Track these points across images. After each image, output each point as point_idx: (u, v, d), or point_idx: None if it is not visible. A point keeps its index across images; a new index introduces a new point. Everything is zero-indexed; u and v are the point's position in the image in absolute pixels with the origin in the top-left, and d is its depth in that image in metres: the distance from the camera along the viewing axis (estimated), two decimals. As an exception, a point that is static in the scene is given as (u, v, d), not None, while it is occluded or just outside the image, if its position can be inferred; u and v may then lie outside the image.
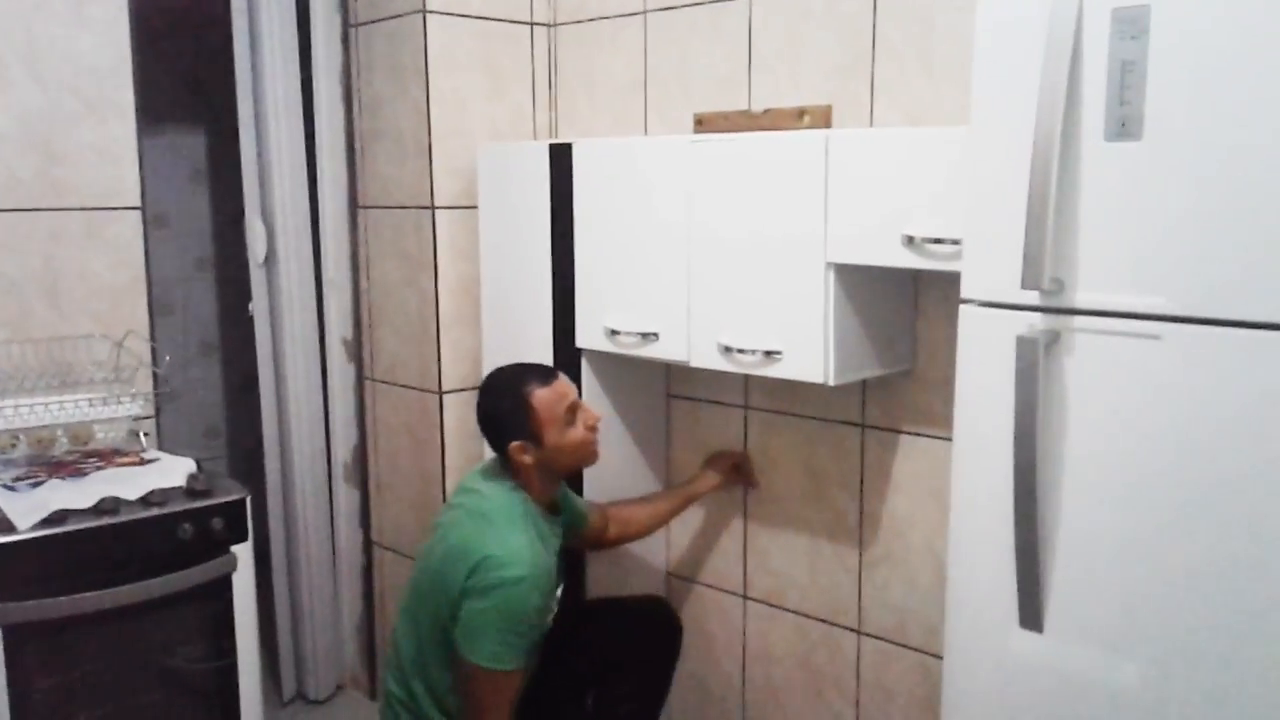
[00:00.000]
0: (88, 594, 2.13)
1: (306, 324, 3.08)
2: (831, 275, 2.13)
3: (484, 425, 2.27)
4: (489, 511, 2.17)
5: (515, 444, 2.19)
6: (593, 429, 2.27)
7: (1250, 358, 1.38)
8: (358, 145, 3.01)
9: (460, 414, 2.87)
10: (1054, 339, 1.54)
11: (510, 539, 2.11)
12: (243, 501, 2.34)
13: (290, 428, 3.11)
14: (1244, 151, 1.37)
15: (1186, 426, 1.44)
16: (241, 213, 3.12)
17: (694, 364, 2.37)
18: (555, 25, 2.94)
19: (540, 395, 2.20)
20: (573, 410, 2.23)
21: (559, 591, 2.27)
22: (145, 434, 2.57)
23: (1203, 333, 1.41)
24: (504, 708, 2.13)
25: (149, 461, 2.43)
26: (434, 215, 2.82)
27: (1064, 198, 1.51)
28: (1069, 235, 1.52)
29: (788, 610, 2.65)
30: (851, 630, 2.53)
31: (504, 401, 2.22)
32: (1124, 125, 1.46)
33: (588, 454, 2.30)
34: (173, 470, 2.37)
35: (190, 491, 2.31)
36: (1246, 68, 1.36)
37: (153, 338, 2.68)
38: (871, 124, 2.31)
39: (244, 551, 2.34)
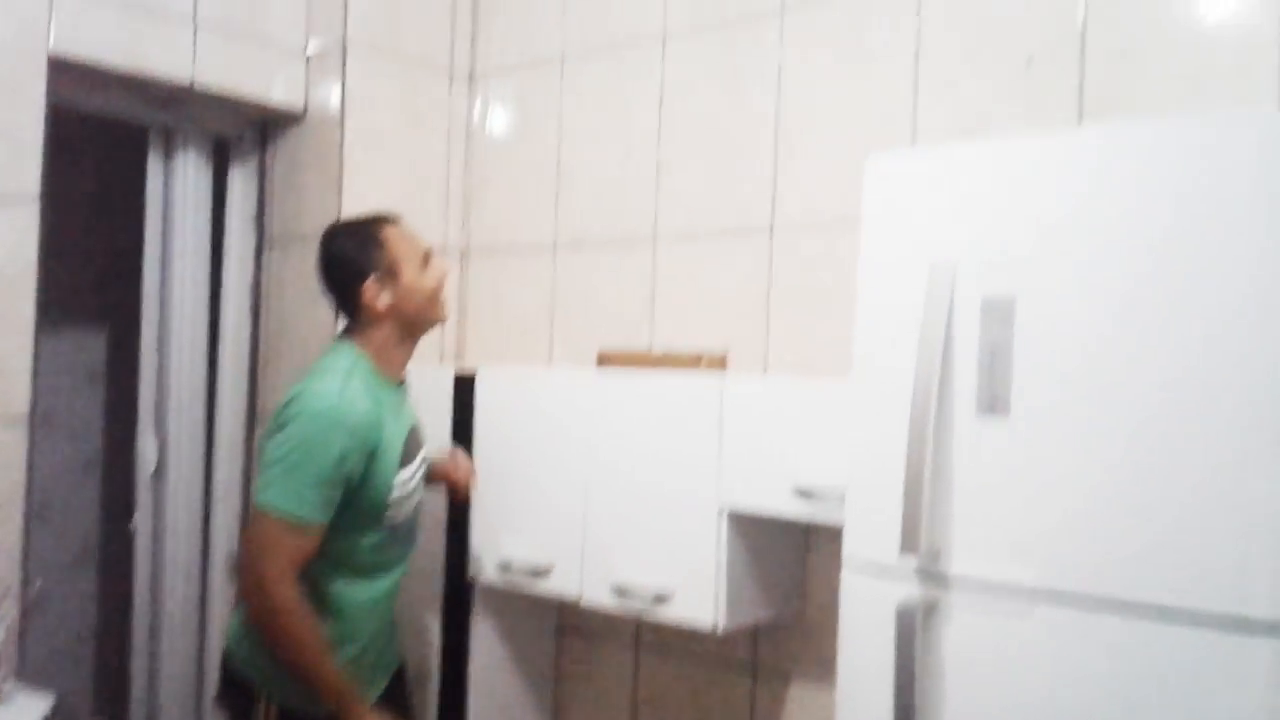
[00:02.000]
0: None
1: (191, 541, 2.98)
2: (724, 520, 2.14)
3: (331, 272, 2.10)
4: (314, 366, 2.06)
5: (369, 280, 2.05)
6: (442, 283, 2.16)
7: (1116, 635, 1.41)
8: (261, 360, 3.01)
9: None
10: (931, 608, 1.56)
11: (324, 381, 1.98)
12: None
13: (162, 650, 2.96)
14: (1105, 431, 1.44)
15: (1055, 700, 1.45)
16: (135, 419, 3.05)
17: (585, 603, 2.34)
18: (468, 252, 3.02)
19: (391, 231, 2.11)
20: (426, 256, 2.13)
21: (416, 475, 2.12)
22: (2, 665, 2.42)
23: (1071, 609, 1.44)
24: (283, 562, 1.92)
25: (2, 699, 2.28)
26: (333, 434, 2.79)
27: (939, 468, 1.56)
28: (945, 504, 1.56)
29: None
30: None
31: (351, 240, 2.09)
32: (994, 402, 1.53)
33: (439, 306, 2.16)
34: (27, 710, 2.22)
35: (44, 731, 2.16)
36: (1105, 351, 1.44)
37: (26, 554, 2.55)
38: (767, 369, 2.39)
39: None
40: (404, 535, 2.15)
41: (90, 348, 4.04)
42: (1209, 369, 1.36)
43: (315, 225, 2.82)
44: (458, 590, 2.57)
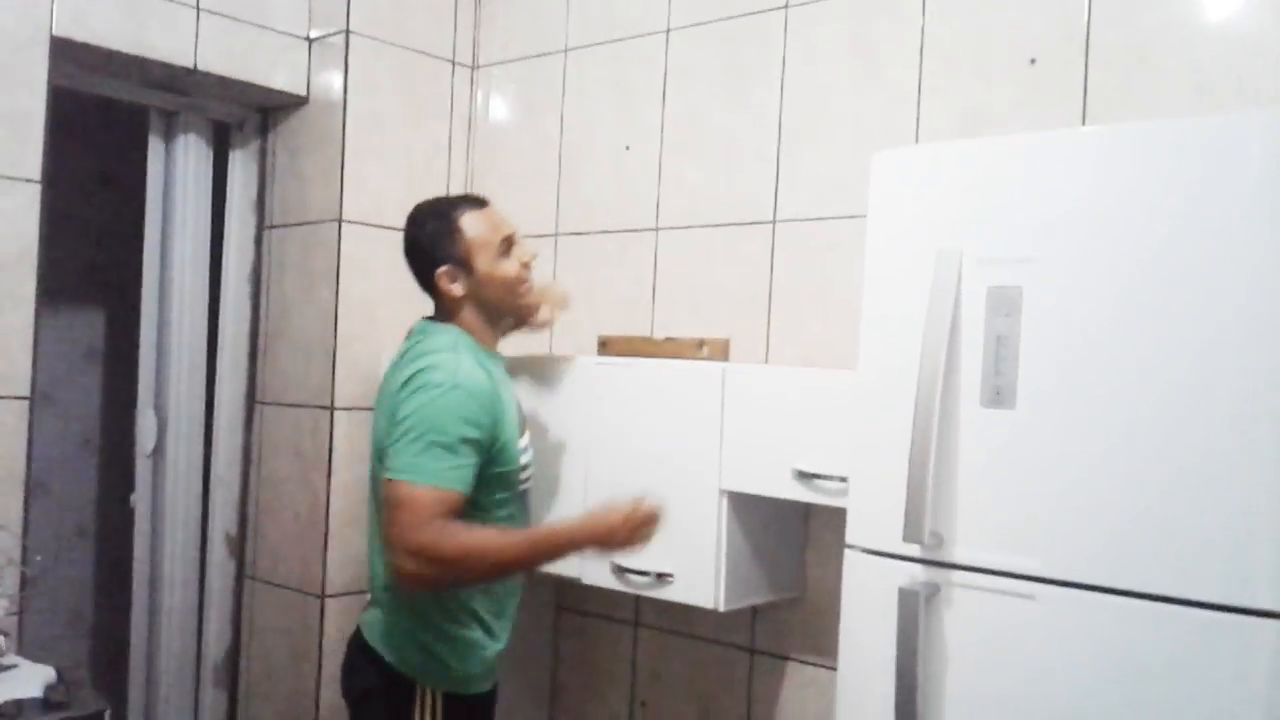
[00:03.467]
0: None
1: (190, 519, 3.00)
2: (725, 502, 2.19)
3: (410, 256, 2.10)
4: (423, 346, 2.01)
5: (442, 270, 2.02)
6: (528, 267, 2.11)
7: (1118, 622, 1.45)
8: (261, 342, 3.02)
9: (340, 623, 2.79)
10: (934, 591, 1.60)
11: (438, 358, 1.94)
12: (101, 715, 2.21)
13: (161, 625, 2.98)
14: (1108, 423, 1.48)
15: (1056, 684, 1.49)
16: (133, 398, 3.07)
17: (586, 581, 2.38)
18: (467, 238, 3.04)
19: (470, 218, 2.05)
20: (508, 242, 2.07)
21: (524, 441, 2.09)
22: (5, 635, 2.43)
23: (1073, 595, 1.48)
24: (436, 524, 1.84)
25: (6, 668, 2.30)
26: (332, 416, 2.81)
27: (943, 458, 1.60)
28: (948, 493, 1.60)
29: (670, 841, 2.58)
30: None
31: (429, 224, 2.07)
32: (999, 394, 1.57)
33: (523, 293, 2.11)
34: (30, 679, 2.24)
35: (47, 703, 2.18)
36: (1109, 345, 1.48)
37: (26, 529, 2.57)
38: (767, 359, 2.42)
39: (100, 767, 2.20)
40: (527, 502, 2.19)
41: (88, 326, 4.04)
42: (1212, 362, 1.39)
43: (316, 210, 2.85)
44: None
